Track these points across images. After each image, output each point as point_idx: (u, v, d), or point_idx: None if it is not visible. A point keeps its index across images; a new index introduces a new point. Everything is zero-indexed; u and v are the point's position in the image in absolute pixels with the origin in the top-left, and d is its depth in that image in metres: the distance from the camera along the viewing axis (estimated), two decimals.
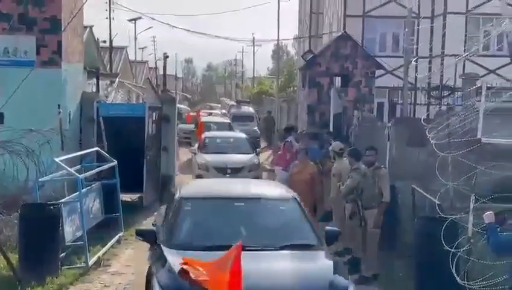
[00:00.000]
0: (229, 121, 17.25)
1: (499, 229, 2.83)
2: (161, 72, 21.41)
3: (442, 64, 10.74)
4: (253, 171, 10.07)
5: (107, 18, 22.40)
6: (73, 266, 5.49)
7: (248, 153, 10.86)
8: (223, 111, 25.53)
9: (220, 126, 15.29)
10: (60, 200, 5.49)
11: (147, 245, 4.04)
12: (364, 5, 16.39)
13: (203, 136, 11.95)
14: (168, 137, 9.53)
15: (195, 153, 11.09)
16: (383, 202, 4.94)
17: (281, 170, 7.57)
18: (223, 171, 9.76)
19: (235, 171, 9.80)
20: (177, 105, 11.73)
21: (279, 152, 8.54)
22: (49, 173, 5.81)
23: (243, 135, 12.47)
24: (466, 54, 8.17)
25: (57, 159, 5.62)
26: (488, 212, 2.83)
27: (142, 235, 3.57)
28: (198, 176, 9.76)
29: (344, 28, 15.22)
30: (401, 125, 7.52)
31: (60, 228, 5.15)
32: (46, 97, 7.60)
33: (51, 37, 7.79)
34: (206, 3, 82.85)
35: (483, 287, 3.09)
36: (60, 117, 6.90)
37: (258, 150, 12.13)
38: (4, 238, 5.50)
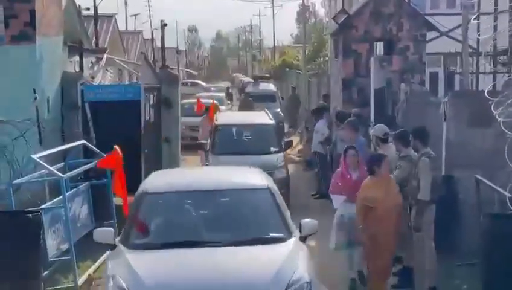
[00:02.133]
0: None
1: None
2: (159, 45, 19.79)
3: (511, 21, 9.30)
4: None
5: None
6: (59, 287, 5.27)
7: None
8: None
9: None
10: (41, 207, 5.16)
11: None
12: None
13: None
14: (170, 125, 9.17)
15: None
16: (419, 199, 4.40)
17: (346, 201, 4.78)
18: None
19: None
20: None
21: (337, 169, 5.35)
22: (26, 173, 5.59)
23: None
24: None
25: (34, 156, 5.31)
26: None
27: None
28: None
29: None
30: (460, 100, 6.69)
31: (42, 241, 4.89)
32: (19, 80, 7.11)
33: (22, 6, 7.19)
34: None
35: None
36: (36, 104, 6.39)
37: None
38: None
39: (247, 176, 4.64)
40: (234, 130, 9.50)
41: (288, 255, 3.26)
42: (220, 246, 3.41)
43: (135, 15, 32.31)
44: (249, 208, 4.04)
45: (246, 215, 3.96)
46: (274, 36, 40.21)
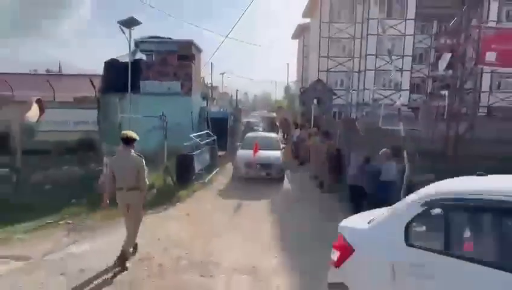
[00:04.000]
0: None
1: None
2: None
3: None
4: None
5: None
6: (199, 182, 10.13)
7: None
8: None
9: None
10: (193, 153, 10.38)
11: (230, 174, 11.36)
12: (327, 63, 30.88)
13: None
14: (236, 128, 17.21)
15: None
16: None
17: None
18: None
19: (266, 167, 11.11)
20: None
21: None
22: (189, 141, 10.91)
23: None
24: None
25: (192, 135, 11.14)
26: None
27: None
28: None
29: (318, 76, 28.61)
30: (345, 121, 15.31)
31: (193, 164, 9.89)
32: (185, 109, 13.71)
33: (187, 83, 14.69)
34: None
35: None
36: (192, 118, 14.14)
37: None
38: (170, 168, 11.11)
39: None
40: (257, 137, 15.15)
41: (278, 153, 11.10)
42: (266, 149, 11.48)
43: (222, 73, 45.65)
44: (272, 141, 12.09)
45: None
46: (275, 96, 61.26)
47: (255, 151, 10.73)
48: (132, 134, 5.05)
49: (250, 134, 14.55)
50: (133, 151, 5.02)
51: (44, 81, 17.08)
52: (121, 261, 4.75)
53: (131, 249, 5.15)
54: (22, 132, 9.70)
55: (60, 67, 30.80)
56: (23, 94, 14.13)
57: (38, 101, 8.10)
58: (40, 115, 8.15)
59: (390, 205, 3.37)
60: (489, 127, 14.34)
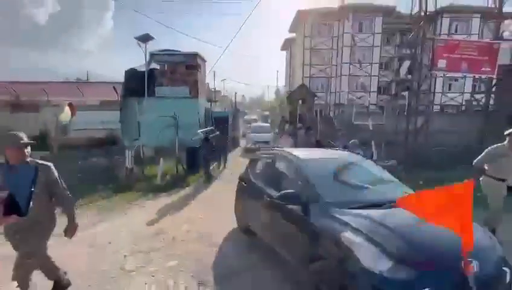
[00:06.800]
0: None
1: None
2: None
3: None
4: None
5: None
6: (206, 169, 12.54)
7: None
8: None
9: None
10: (199, 146, 11.11)
11: (237, 163, 11.25)
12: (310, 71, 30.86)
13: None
14: (236, 124, 17.75)
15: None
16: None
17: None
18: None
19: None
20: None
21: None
22: (196, 136, 10.97)
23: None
24: None
25: (199, 131, 11.21)
26: None
27: None
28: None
29: (303, 81, 27.09)
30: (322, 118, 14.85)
31: (201, 156, 11.52)
32: (192, 110, 13.02)
33: (194, 88, 14.01)
34: None
35: None
36: (199, 117, 14.02)
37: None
38: (181, 159, 11.62)
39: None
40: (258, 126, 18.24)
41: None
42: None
43: (223, 80, 46.05)
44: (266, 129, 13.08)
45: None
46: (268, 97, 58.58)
47: None
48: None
49: (254, 124, 19.60)
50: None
51: (75, 88, 16.82)
52: None
53: None
54: (57, 131, 9.57)
55: (87, 76, 30.31)
56: (57, 99, 13.94)
57: (70, 105, 7.97)
58: (72, 116, 8.02)
59: None
60: (441, 121, 14.43)
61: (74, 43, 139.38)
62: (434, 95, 26.55)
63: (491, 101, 14.46)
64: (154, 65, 14.60)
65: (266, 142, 14.98)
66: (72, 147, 11.95)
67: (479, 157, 4.08)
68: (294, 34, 37.11)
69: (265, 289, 3.32)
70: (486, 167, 4.06)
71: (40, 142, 13.21)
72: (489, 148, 4.04)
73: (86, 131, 14.39)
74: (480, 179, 4.12)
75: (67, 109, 7.76)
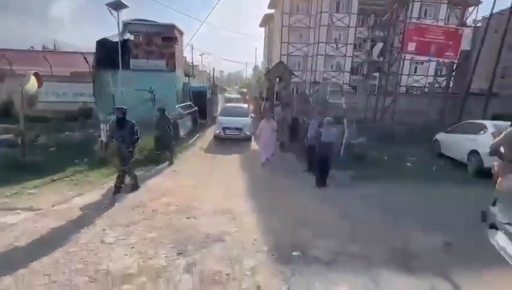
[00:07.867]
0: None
1: None
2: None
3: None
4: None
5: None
6: (186, 143, 10.54)
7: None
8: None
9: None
10: (178, 120, 10.56)
11: (209, 138, 11.12)
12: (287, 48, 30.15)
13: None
14: (214, 99, 16.96)
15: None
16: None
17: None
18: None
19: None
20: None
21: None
22: (174, 111, 11.15)
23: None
24: None
25: (177, 106, 11.55)
26: None
27: None
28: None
29: (280, 59, 26.64)
30: (300, 96, 15.09)
31: (178, 130, 10.10)
32: (169, 85, 12.50)
33: (171, 61, 13.26)
34: None
35: None
36: (176, 91, 13.36)
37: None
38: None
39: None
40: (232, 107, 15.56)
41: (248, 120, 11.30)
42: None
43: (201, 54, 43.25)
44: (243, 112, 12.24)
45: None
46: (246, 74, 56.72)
47: None
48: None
49: (227, 104, 15.34)
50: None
51: (41, 57, 15.30)
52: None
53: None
54: (22, 101, 8.74)
55: (54, 45, 27.58)
56: (21, 68, 12.67)
57: (36, 74, 7.23)
58: (38, 87, 7.31)
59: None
60: (406, 102, 15.04)
61: (40, 9, 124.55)
62: (401, 77, 27.43)
63: (451, 84, 15.20)
64: (128, 36, 13.52)
65: (238, 129, 11.35)
66: (42, 120, 11.07)
67: (497, 139, 3.63)
68: (273, 10, 35.80)
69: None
70: (502, 150, 3.60)
71: (4, 113, 12.09)
72: (508, 129, 3.55)
73: (56, 104, 13.34)
74: (495, 163, 3.72)
75: (33, 78, 7.03)
